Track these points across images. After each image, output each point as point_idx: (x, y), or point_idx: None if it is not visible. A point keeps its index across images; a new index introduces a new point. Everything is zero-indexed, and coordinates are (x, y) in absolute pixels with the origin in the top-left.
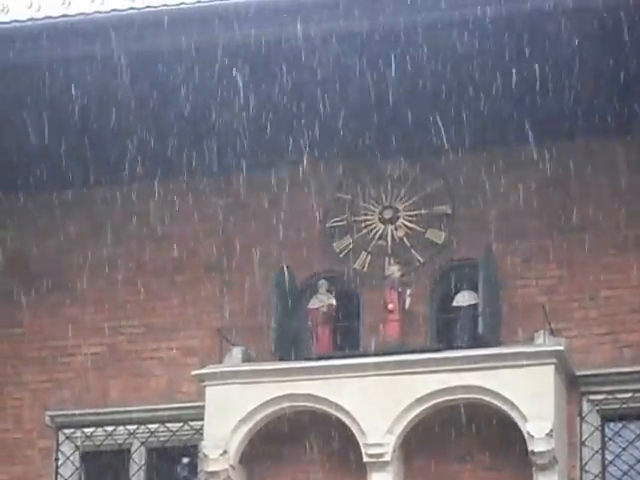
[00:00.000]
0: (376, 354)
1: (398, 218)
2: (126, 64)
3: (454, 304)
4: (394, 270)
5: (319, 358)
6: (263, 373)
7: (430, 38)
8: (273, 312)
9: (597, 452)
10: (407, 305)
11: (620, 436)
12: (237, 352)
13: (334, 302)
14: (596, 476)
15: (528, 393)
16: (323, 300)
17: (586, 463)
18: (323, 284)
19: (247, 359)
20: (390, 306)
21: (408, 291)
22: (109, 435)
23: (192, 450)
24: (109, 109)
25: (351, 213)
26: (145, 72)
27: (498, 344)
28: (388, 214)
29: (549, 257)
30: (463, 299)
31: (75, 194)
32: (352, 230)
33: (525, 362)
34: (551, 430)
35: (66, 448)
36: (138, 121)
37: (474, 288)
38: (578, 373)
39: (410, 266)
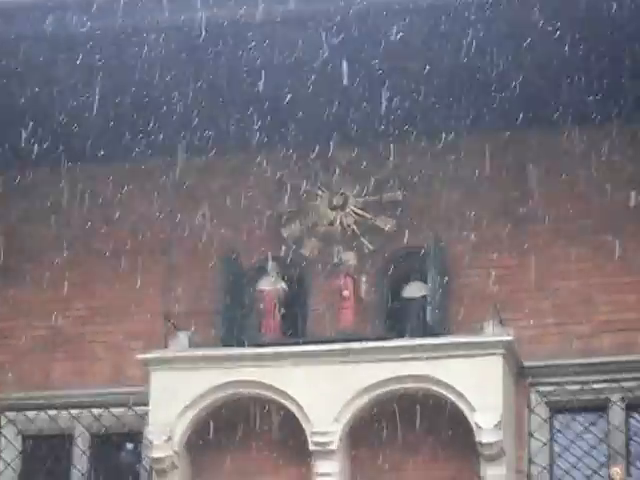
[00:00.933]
0: (324, 342)
1: (347, 205)
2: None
3: (404, 295)
4: (350, 257)
5: (266, 345)
6: (209, 359)
7: (372, 24)
8: (219, 297)
9: (545, 444)
10: (363, 292)
11: (569, 428)
12: (183, 337)
13: (285, 286)
14: (544, 468)
15: (476, 383)
16: (273, 282)
17: (534, 455)
18: (273, 266)
19: (193, 344)
20: (345, 293)
21: (364, 278)
22: (52, 419)
23: (136, 435)
24: (56, 89)
25: (300, 199)
26: (94, 52)
27: (447, 334)
28: (337, 201)
29: (499, 247)
30: (413, 290)
31: (19, 175)
32: (301, 216)
33: (473, 352)
34: (499, 421)
35: (8, 432)
36: (85, 102)
37: (424, 277)
38: (527, 364)
39: (359, 253)
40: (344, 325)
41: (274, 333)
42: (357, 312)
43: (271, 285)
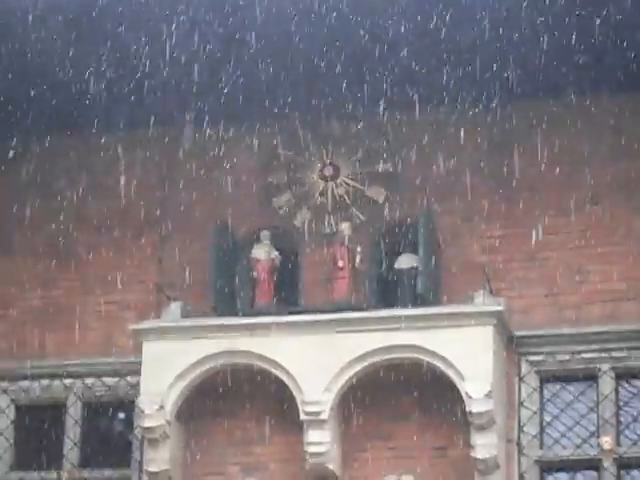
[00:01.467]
0: (315, 312)
1: (339, 175)
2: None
3: (395, 266)
4: (345, 227)
5: (258, 314)
6: (201, 329)
7: None
8: (211, 268)
9: (535, 413)
10: (357, 263)
11: (558, 397)
12: (175, 307)
13: (278, 255)
14: (534, 437)
15: (467, 353)
16: (267, 252)
17: (524, 424)
18: (266, 235)
19: (185, 315)
20: (340, 263)
21: (358, 248)
22: (45, 389)
23: (128, 405)
24: (48, 58)
25: (292, 170)
26: (89, 25)
27: (437, 304)
28: (329, 171)
29: (490, 217)
30: (404, 262)
31: (11, 146)
32: (292, 187)
33: (464, 322)
34: (489, 391)
35: (1, 401)
36: (79, 71)
37: (415, 248)
38: (517, 334)
39: (350, 224)
40: (339, 295)
41: (268, 302)
42: (350, 283)
43: (265, 254)
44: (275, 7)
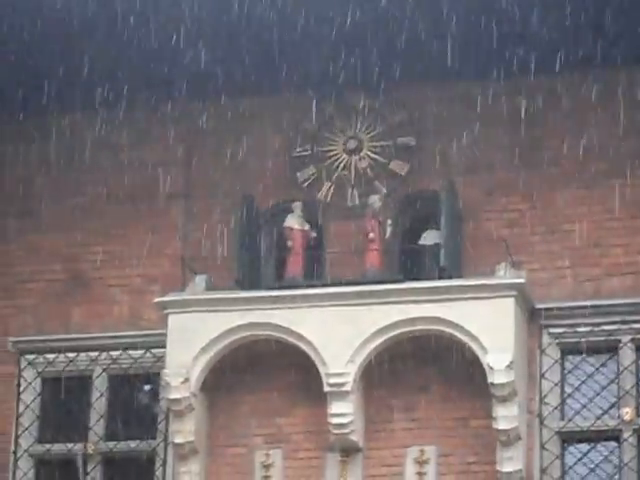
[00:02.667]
0: (339, 284)
1: (362, 149)
2: None
3: (420, 242)
4: (375, 199)
5: (283, 287)
6: (225, 301)
7: None
8: (236, 241)
9: (556, 385)
10: (387, 234)
11: (579, 369)
12: (200, 280)
13: (314, 232)
14: (555, 408)
15: (489, 325)
16: (300, 222)
17: (545, 395)
18: (298, 206)
19: (210, 287)
20: (371, 235)
21: (389, 221)
22: (71, 361)
23: (154, 377)
24: (70, 36)
25: (315, 143)
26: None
27: (460, 276)
28: (352, 145)
29: (512, 190)
30: (429, 238)
31: (38, 121)
32: (316, 160)
33: (486, 294)
34: (511, 362)
35: (28, 374)
36: (102, 48)
37: (437, 221)
38: (539, 306)
39: (380, 196)
40: (372, 266)
41: (299, 272)
42: (381, 254)
43: (299, 224)
44: None
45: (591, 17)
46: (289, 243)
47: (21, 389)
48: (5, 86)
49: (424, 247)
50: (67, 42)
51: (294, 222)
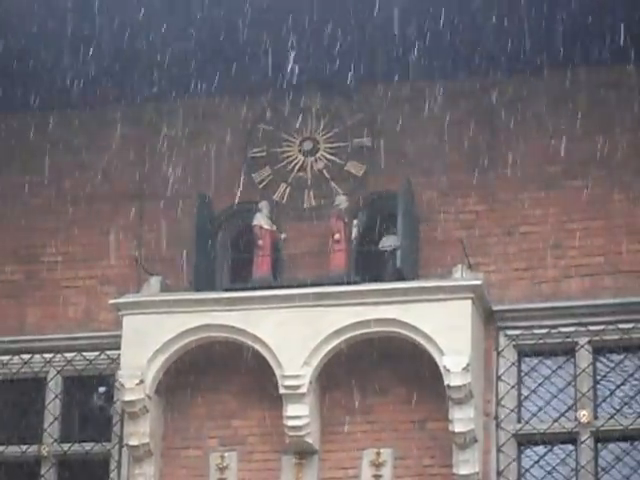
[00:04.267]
0: (295, 286)
1: (318, 150)
2: None
3: (379, 246)
4: (342, 200)
5: (236, 289)
6: (180, 303)
7: None
8: (191, 242)
9: (513, 387)
10: (354, 235)
11: (536, 371)
12: (155, 282)
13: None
14: (512, 411)
15: (445, 327)
16: (268, 222)
17: (502, 398)
18: (265, 205)
19: (165, 289)
20: (337, 236)
21: (355, 221)
22: (25, 363)
23: (108, 379)
24: (26, 36)
25: (271, 144)
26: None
27: (416, 278)
28: (308, 146)
29: (469, 192)
30: (387, 242)
31: None
32: (272, 161)
33: (442, 296)
34: (467, 364)
35: None
36: (55, 48)
37: (394, 222)
38: (495, 308)
39: (329, 199)
40: (337, 267)
41: (267, 272)
42: (347, 255)
43: (268, 224)
44: None
45: (546, 19)
46: (260, 242)
47: None
48: None
49: (383, 253)
50: (18, 41)
51: (263, 221)
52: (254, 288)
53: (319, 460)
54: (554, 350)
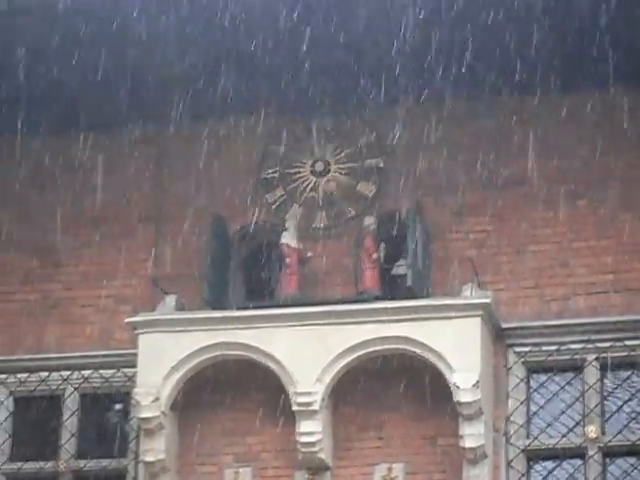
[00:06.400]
0: (307, 304)
1: (329, 171)
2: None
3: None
4: (371, 221)
5: (251, 307)
6: (195, 321)
7: None
8: (206, 261)
9: (522, 403)
10: (382, 256)
11: (545, 387)
12: (170, 300)
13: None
14: (521, 426)
15: (455, 344)
16: (294, 240)
17: (511, 414)
18: (292, 224)
19: (180, 307)
20: (374, 256)
21: (382, 244)
22: (43, 381)
23: (125, 396)
24: (39, 60)
25: (283, 165)
26: (79, 22)
27: (427, 296)
28: (319, 167)
29: (478, 211)
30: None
31: (10, 142)
32: (284, 182)
33: (453, 314)
34: (477, 381)
35: (0, 393)
36: (71, 71)
37: (404, 241)
38: (505, 325)
39: (341, 219)
40: (371, 285)
41: (294, 290)
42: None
43: (295, 242)
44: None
45: (555, 41)
46: (287, 260)
47: None
48: None
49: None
50: (36, 66)
51: (290, 239)
52: (267, 306)
53: (332, 476)
54: (562, 367)
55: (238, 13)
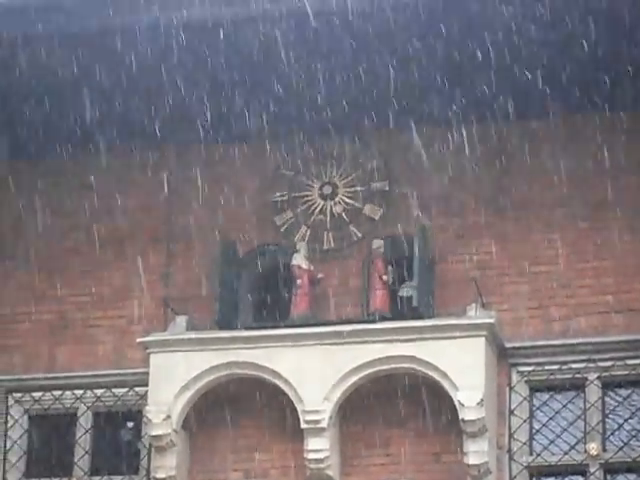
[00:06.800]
0: (315, 324)
1: (337, 194)
2: (74, 38)
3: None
4: (380, 244)
5: (259, 327)
6: (205, 341)
7: (364, 15)
8: (216, 282)
9: (525, 421)
10: (390, 279)
11: (547, 406)
12: (181, 320)
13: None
14: (524, 444)
15: (460, 364)
16: (306, 262)
17: (514, 431)
18: (303, 246)
19: (191, 327)
20: (385, 278)
21: (390, 267)
22: (57, 399)
23: (136, 415)
24: (54, 83)
25: (292, 188)
26: (91, 46)
27: (432, 316)
28: (327, 190)
29: (482, 234)
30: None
31: (25, 165)
32: (293, 205)
33: (457, 334)
34: (481, 399)
35: (15, 411)
36: (83, 94)
37: (410, 262)
38: (508, 345)
39: (348, 240)
40: (381, 305)
41: (305, 310)
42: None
43: (306, 264)
44: (268, 27)
45: (556, 67)
46: (298, 281)
47: (8, 426)
48: None
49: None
50: (52, 91)
51: (301, 261)
52: (275, 326)
53: None
54: (564, 385)
55: (249, 39)
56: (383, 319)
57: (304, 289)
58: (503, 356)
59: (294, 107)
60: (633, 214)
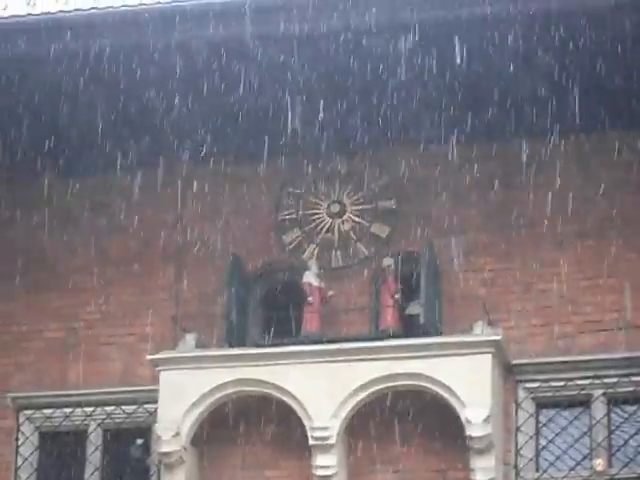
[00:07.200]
0: (323, 342)
1: (345, 212)
2: (90, 61)
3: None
4: (390, 262)
5: (267, 345)
6: (214, 359)
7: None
8: (225, 300)
9: (532, 437)
10: (398, 296)
11: (553, 422)
12: (190, 338)
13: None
14: (530, 460)
15: (466, 380)
16: (317, 279)
17: (521, 448)
18: (314, 263)
19: (200, 345)
20: (397, 296)
21: (399, 285)
22: (67, 416)
23: (146, 432)
24: (72, 103)
25: (300, 207)
26: (108, 69)
27: (439, 334)
28: (335, 208)
29: (488, 252)
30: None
31: (36, 185)
32: (301, 223)
33: (464, 351)
34: (488, 416)
35: (26, 428)
36: (99, 115)
37: (417, 280)
38: (514, 362)
39: (355, 258)
40: (393, 322)
41: (317, 327)
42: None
43: (317, 281)
44: (274, 51)
45: (562, 87)
46: (310, 299)
47: (19, 443)
48: (3, 154)
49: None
50: (61, 110)
51: (312, 278)
52: (284, 344)
53: None
54: (570, 402)
55: (257, 60)
56: (388, 336)
57: (315, 306)
58: (509, 373)
59: (303, 126)
60: (638, 231)
